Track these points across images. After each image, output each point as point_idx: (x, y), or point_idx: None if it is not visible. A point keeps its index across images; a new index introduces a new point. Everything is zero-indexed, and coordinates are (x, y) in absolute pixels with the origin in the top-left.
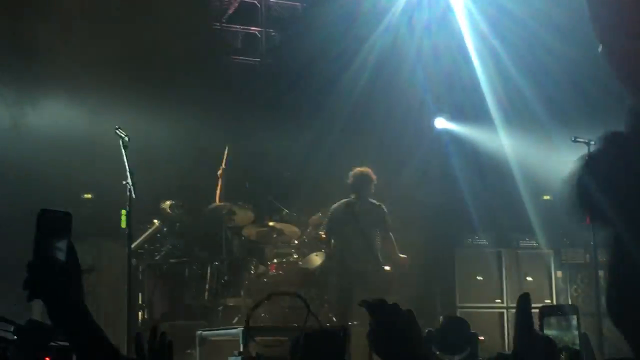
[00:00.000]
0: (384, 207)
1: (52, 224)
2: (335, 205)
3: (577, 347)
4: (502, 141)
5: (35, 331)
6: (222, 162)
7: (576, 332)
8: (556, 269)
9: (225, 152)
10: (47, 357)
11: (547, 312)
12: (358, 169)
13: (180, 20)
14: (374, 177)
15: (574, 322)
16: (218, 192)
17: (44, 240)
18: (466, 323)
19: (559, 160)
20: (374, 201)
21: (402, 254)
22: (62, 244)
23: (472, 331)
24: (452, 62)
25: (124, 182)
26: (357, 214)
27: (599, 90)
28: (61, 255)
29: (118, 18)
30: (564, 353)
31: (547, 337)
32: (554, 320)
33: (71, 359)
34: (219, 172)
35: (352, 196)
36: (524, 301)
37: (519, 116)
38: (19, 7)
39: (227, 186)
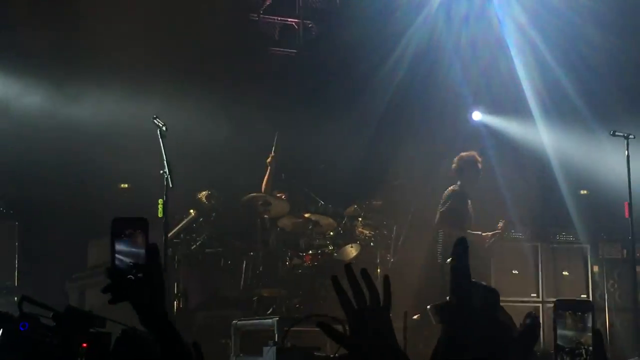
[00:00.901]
0: None
1: (126, 229)
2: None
3: (590, 347)
4: (540, 134)
5: (73, 318)
6: (271, 148)
7: (590, 332)
8: (593, 263)
9: (275, 139)
10: (84, 343)
11: (561, 306)
12: (463, 153)
13: (218, 11)
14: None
15: (589, 319)
16: (266, 178)
17: (118, 245)
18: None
19: (598, 154)
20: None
21: None
22: (140, 249)
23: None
24: (490, 54)
25: (161, 172)
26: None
27: (639, 83)
28: (140, 259)
29: (158, 10)
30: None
31: (489, 287)
32: (569, 316)
33: (109, 345)
34: (268, 159)
35: (459, 182)
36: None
37: (558, 109)
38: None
39: (275, 174)
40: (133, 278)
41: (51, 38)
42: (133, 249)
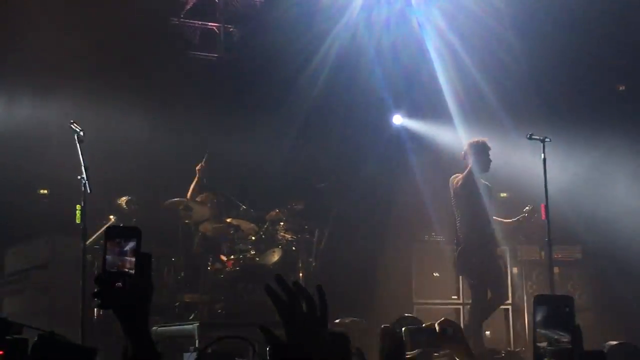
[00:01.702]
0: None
1: (119, 238)
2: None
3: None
4: (460, 138)
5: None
6: (202, 160)
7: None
8: (512, 265)
9: (205, 156)
10: (1, 351)
11: (540, 301)
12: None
13: (138, 14)
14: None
15: (567, 311)
16: (192, 186)
17: (111, 255)
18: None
19: (516, 157)
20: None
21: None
22: (130, 258)
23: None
24: (411, 59)
25: (79, 177)
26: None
27: (555, 87)
28: (129, 269)
29: (77, 11)
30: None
31: (339, 334)
32: (546, 310)
33: (26, 351)
34: (198, 166)
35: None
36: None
37: (476, 113)
38: None
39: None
40: (121, 286)
41: None
42: (124, 258)
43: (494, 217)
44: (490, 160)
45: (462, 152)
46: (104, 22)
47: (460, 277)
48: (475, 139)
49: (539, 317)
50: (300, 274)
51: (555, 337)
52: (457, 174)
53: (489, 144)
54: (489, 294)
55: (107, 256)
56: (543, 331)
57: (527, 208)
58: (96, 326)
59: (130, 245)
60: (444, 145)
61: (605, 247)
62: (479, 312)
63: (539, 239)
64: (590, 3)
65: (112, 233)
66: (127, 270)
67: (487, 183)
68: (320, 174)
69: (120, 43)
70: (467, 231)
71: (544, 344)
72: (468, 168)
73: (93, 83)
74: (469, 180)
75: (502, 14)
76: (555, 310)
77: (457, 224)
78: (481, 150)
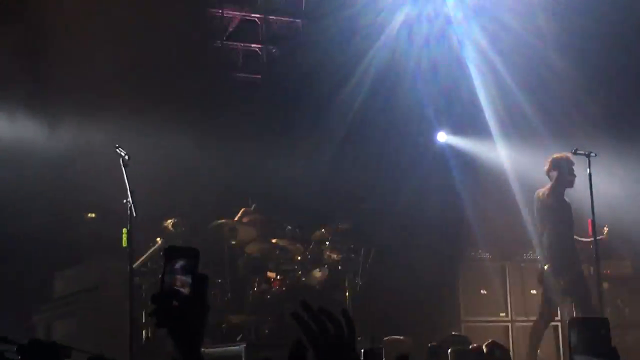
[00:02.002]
0: None
1: (176, 258)
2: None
3: None
4: (501, 154)
5: (37, 350)
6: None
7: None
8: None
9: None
10: None
11: (574, 324)
12: (557, 154)
13: (182, 38)
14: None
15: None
16: (238, 216)
17: (169, 274)
18: None
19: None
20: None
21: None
22: (187, 278)
23: None
24: (451, 76)
25: (125, 201)
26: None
27: (596, 104)
28: (185, 289)
29: (121, 34)
30: None
31: None
32: (582, 334)
33: None
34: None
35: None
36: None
37: (518, 130)
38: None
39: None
40: (177, 305)
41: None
42: (182, 277)
43: (577, 237)
44: (575, 176)
45: (546, 167)
46: (149, 45)
47: (508, 294)
48: (560, 154)
49: (574, 341)
50: (347, 293)
51: None
52: (541, 188)
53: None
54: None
55: (165, 275)
56: (579, 357)
57: (605, 229)
58: (144, 348)
59: (187, 266)
60: (487, 162)
61: None
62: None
63: (588, 256)
64: (631, 21)
65: (171, 253)
66: (183, 290)
67: (568, 200)
68: (364, 193)
69: (164, 65)
70: (556, 248)
71: None
72: (554, 180)
73: (138, 105)
74: (557, 192)
75: (543, 32)
76: (592, 333)
77: (543, 240)
78: (565, 165)
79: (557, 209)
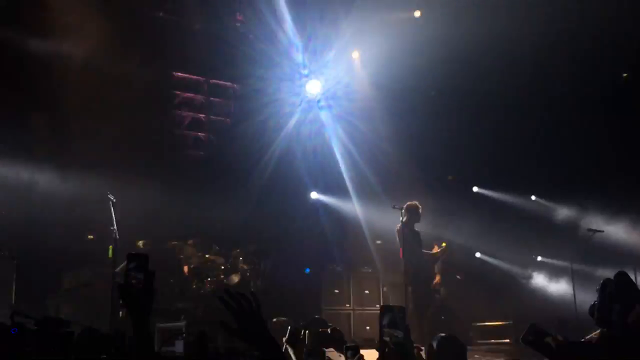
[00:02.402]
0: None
1: (135, 261)
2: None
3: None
4: (355, 206)
5: (48, 323)
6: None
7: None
8: (383, 285)
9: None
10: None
11: (385, 310)
12: (409, 202)
13: (154, 125)
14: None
15: (401, 317)
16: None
17: (130, 271)
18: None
19: (386, 218)
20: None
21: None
22: (140, 275)
23: None
24: (324, 157)
25: (111, 228)
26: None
27: (410, 173)
28: (138, 282)
29: (114, 118)
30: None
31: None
32: (390, 316)
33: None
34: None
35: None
36: None
37: (364, 191)
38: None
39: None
40: (134, 292)
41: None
42: (137, 274)
43: (425, 251)
44: (420, 215)
45: (402, 211)
46: (132, 127)
47: (351, 292)
48: (410, 203)
49: (385, 321)
50: (252, 290)
51: (395, 333)
52: (398, 224)
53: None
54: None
55: (128, 272)
56: (387, 330)
57: (444, 244)
58: (120, 324)
59: (139, 266)
60: (344, 210)
61: None
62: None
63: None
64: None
65: (131, 257)
66: (137, 281)
67: (417, 230)
68: (263, 227)
69: (144, 142)
70: (410, 260)
71: (387, 338)
72: (407, 219)
73: (123, 165)
74: (409, 225)
75: (379, 129)
76: (395, 316)
77: (405, 260)
78: (413, 210)
79: (410, 235)
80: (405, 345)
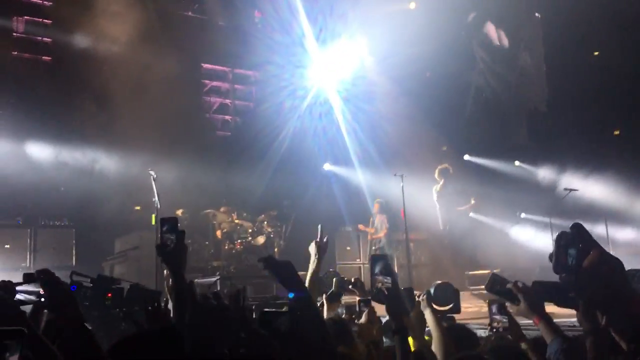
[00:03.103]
0: None
1: (167, 224)
2: None
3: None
4: (359, 175)
5: (101, 281)
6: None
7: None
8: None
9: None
10: (109, 293)
11: (375, 259)
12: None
13: (187, 110)
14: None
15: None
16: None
17: (164, 233)
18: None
19: (384, 184)
20: None
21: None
22: (172, 235)
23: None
24: (333, 134)
25: (153, 199)
26: None
27: (409, 148)
28: (172, 242)
29: (154, 106)
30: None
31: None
32: (380, 265)
33: (123, 294)
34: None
35: None
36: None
37: (367, 161)
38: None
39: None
40: (168, 250)
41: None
42: (171, 234)
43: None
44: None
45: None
46: (168, 112)
47: (360, 247)
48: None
49: (377, 269)
50: (276, 249)
51: (385, 279)
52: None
53: None
54: None
55: (162, 234)
56: (379, 277)
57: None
58: (163, 280)
59: (173, 227)
60: (351, 180)
61: None
62: None
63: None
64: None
65: (164, 220)
66: (170, 241)
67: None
68: (285, 197)
69: (179, 124)
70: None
71: (380, 284)
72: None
73: (161, 145)
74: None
75: (380, 109)
76: (384, 264)
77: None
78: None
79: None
80: (397, 289)
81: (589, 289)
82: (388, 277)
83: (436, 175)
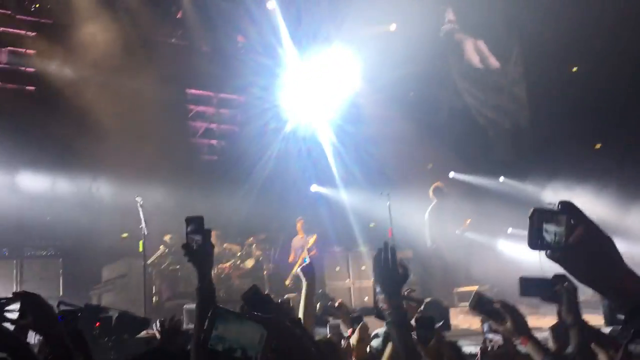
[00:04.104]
0: None
1: (192, 222)
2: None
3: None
4: (343, 196)
5: (89, 311)
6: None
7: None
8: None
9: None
10: (97, 323)
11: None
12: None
13: (173, 137)
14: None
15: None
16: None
17: (188, 235)
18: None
19: (373, 205)
20: None
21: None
22: (198, 237)
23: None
24: (319, 156)
25: (140, 227)
26: None
27: (392, 169)
28: (198, 242)
29: (139, 133)
30: None
31: None
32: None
33: (111, 323)
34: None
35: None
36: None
37: (351, 183)
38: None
39: None
40: (195, 249)
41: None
42: (195, 235)
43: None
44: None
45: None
46: (156, 140)
47: (350, 269)
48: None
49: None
50: (265, 272)
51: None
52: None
53: None
54: None
55: (187, 233)
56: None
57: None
58: (153, 309)
59: (198, 226)
60: (335, 200)
61: None
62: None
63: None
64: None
65: (189, 219)
66: (197, 240)
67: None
68: (272, 220)
69: (164, 150)
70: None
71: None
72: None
73: (147, 174)
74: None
75: (364, 131)
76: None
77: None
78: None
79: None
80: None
81: (579, 265)
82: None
83: (430, 194)
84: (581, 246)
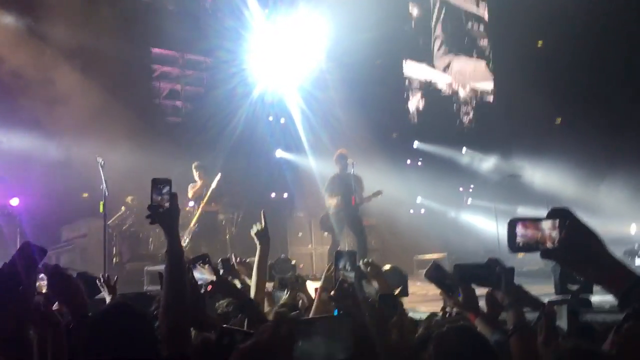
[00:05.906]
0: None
1: (160, 185)
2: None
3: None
4: (310, 161)
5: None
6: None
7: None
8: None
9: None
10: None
11: (339, 255)
12: (338, 151)
13: (137, 96)
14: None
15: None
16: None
17: (154, 194)
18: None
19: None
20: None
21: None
22: (166, 197)
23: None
24: (287, 121)
25: (101, 187)
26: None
27: (358, 133)
28: (166, 202)
29: (102, 91)
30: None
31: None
32: (344, 260)
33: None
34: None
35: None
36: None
37: (318, 148)
38: None
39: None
40: (162, 211)
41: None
42: (162, 196)
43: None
44: (347, 164)
45: (334, 159)
46: (117, 97)
47: (312, 235)
48: (338, 151)
49: (341, 265)
50: (227, 236)
51: (349, 275)
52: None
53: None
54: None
55: (153, 194)
56: (343, 272)
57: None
58: (113, 269)
59: (165, 189)
60: (302, 165)
61: None
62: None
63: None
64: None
65: (156, 181)
66: (164, 203)
67: (358, 175)
68: (238, 181)
69: (128, 110)
70: (340, 203)
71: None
72: (338, 166)
73: (110, 132)
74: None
75: (333, 97)
76: (348, 259)
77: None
78: (341, 158)
79: (339, 181)
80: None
81: (574, 259)
82: (351, 273)
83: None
84: (574, 243)
